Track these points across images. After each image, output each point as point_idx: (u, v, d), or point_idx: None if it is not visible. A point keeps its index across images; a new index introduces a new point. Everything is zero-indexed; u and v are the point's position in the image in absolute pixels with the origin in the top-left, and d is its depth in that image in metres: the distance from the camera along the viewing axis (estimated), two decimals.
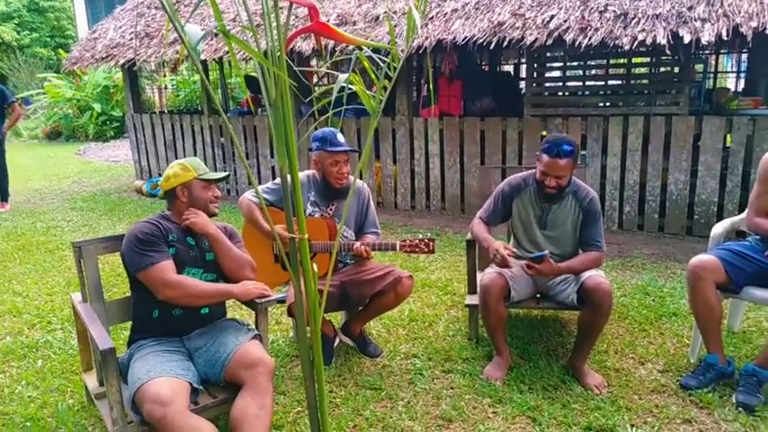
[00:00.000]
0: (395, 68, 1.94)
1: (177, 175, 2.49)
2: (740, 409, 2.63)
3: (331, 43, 5.71)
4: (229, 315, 2.72)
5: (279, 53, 1.81)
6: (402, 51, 2.04)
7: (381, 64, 1.97)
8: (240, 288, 2.49)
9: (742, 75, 11.39)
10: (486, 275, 2.99)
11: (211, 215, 2.56)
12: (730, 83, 12.90)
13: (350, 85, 1.94)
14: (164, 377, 2.15)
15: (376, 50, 4.05)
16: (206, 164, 8.03)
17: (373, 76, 1.99)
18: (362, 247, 2.99)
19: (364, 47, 2.02)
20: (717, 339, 2.86)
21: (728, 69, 13.08)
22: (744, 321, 3.44)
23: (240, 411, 2.21)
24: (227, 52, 6.67)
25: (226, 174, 2.61)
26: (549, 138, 2.97)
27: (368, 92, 1.97)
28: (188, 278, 2.41)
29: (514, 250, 2.95)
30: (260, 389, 2.25)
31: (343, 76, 1.95)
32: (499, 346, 3.04)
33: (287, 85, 1.82)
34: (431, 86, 6.27)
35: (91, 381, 2.70)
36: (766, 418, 2.57)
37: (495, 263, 2.94)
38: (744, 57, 10.65)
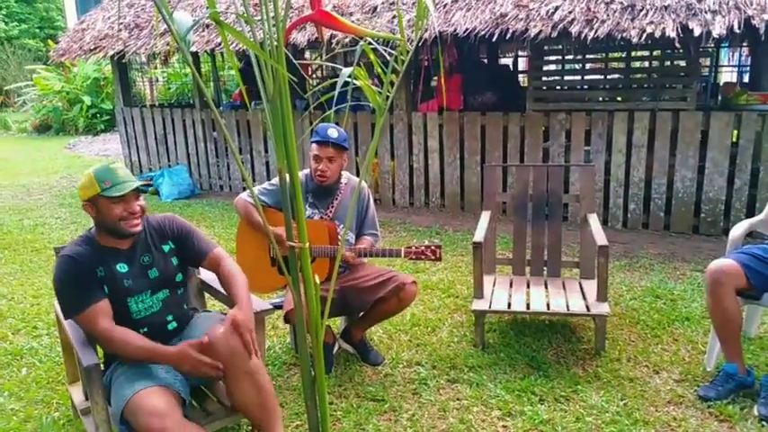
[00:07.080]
0: (402, 62, 1.78)
1: (84, 188, 2.14)
2: (763, 422, 2.50)
3: (328, 35, 5.52)
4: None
5: (277, 44, 1.65)
6: (411, 43, 1.88)
7: (388, 57, 1.81)
8: (177, 357, 2.03)
9: (740, 68, 11.25)
10: None
11: (129, 235, 2.18)
12: (727, 77, 12.75)
13: (354, 80, 1.77)
14: (152, 387, 1.99)
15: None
16: (197, 159, 7.90)
17: (379, 70, 1.83)
18: (347, 254, 2.83)
19: (369, 38, 1.86)
20: (736, 348, 2.73)
21: (726, 63, 12.92)
22: (760, 326, 3.31)
23: None
24: (220, 44, 6.46)
25: (136, 184, 2.14)
26: None
27: (373, 87, 1.81)
28: (118, 332, 2.06)
29: None
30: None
31: (347, 70, 1.79)
32: None
33: (286, 79, 1.65)
34: (442, 80, 6.06)
35: (77, 394, 2.55)
36: None
37: None
38: (744, 50, 10.51)
